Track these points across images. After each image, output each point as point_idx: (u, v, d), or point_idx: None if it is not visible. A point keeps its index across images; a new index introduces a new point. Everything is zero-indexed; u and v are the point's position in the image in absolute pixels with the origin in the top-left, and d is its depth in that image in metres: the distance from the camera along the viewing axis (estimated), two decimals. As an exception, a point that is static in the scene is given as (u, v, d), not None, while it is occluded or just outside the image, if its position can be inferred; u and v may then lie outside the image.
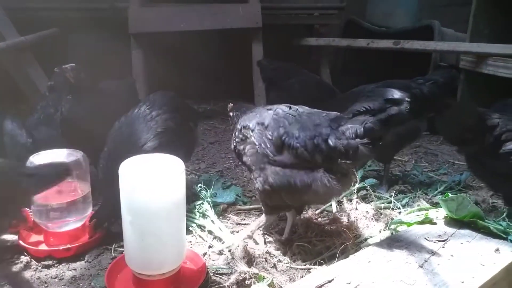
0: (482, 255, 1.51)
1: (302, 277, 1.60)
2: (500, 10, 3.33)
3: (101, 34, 3.53)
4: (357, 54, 4.58)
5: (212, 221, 2.00)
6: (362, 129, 1.52)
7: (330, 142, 1.54)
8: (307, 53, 4.60)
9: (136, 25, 3.64)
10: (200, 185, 2.18)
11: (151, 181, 1.45)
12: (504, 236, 1.64)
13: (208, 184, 2.23)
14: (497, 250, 1.54)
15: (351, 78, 4.74)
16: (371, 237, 1.80)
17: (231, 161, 3.01)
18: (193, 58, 3.91)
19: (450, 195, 1.71)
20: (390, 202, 2.19)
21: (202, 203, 2.10)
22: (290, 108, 1.74)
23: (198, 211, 2.06)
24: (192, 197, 2.18)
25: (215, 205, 2.17)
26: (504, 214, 2.18)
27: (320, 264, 1.70)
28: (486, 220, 1.76)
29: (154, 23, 3.69)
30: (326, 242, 1.79)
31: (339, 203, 2.17)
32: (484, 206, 2.33)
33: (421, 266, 1.44)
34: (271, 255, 1.77)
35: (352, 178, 1.76)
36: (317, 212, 2.14)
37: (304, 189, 1.58)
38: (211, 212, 2.04)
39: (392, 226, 1.83)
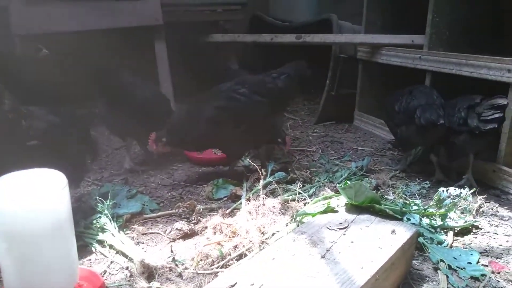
0: (380, 238, 1.57)
1: (209, 282, 1.53)
2: (391, 3, 3.56)
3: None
4: (265, 48, 4.63)
5: (112, 234, 1.85)
6: None
7: None
8: (215, 50, 4.54)
9: (20, 26, 3.28)
10: (95, 197, 2.01)
11: (26, 201, 1.28)
12: (400, 217, 1.72)
13: (106, 196, 2.05)
14: (393, 231, 1.60)
15: (260, 72, 4.80)
16: (278, 231, 1.79)
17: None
18: (90, 60, 3.63)
19: (348, 182, 1.76)
20: (299, 193, 2.22)
21: (100, 217, 1.93)
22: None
23: (96, 226, 1.89)
24: (90, 211, 2.00)
25: (118, 217, 2.02)
26: (400, 190, 2.34)
27: (227, 266, 1.65)
28: (383, 203, 1.85)
29: (43, 23, 3.35)
30: (234, 242, 1.74)
31: (248, 200, 2.15)
32: (385, 188, 2.47)
33: (323, 257, 1.45)
34: (177, 262, 1.68)
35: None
36: (227, 211, 2.10)
37: None
38: (110, 225, 1.89)
39: (298, 218, 1.84)
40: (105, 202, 1.95)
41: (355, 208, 1.77)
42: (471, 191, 2.07)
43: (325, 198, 2.02)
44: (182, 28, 4.15)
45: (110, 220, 1.92)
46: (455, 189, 2.02)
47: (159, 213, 2.16)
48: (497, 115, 2.11)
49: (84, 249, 1.82)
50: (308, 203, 2.08)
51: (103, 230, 1.88)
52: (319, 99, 4.08)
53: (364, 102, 3.79)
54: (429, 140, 2.49)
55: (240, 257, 1.68)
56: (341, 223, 1.65)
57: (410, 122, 2.47)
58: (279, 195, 2.11)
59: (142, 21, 3.54)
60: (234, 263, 1.67)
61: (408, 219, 1.97)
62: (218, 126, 2.25)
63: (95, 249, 1.83)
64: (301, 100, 4.89)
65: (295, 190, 2.25)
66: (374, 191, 2.29)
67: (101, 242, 1.86)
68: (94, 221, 1.91)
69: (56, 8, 3.45)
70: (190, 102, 2.43)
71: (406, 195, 2.35)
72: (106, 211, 1.94)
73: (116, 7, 3.50)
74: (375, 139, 3.50)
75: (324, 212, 1.76)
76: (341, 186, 1.75)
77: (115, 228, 1.89)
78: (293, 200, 2.06)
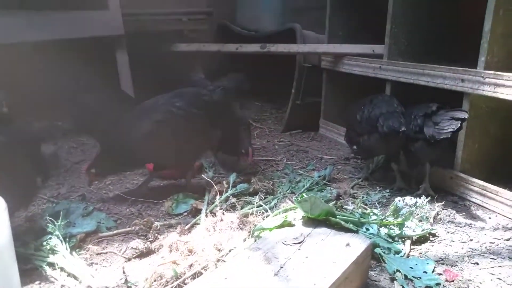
0: (335, 252, 1.57)
1: (162, 304, 1.49)
2: (352, 13, 3.61)
3: None
4: (232, 57, 4.62)
5: (63, 256, 1.77)
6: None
7: None
8: (181, 58, 4.50)
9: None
10: (45, 217, 1.92)
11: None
12: (355, 229, 1.73)
13: (57, 215, 1.97)
14: (347, 244, 1.60)
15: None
16: (234, 248, 1.76)
17: (97, 181, 2.76)
18: (45, 71, 3.52)
19: (304, 195, 1.75)
20: (259, 206, 2.20)
21: (51, 238, 1.85)
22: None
23: (46, 248, 1.81)
24: (41, 232, 1.92)
25: (71, 237, 1.95)
26: (359, 200, 2.35)
27: (182, 286, 1.60)
28: (340, 214, 1.85)
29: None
30: (190, 261, 1.70)
31: (208, 215, 2.12)
32: (346, 198, 2.48)
33: (276, 274, 1.43)
34: (130, 284, 1.63)
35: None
36: (186, 228, 2.06)
37: None
38: (61, 247, 1.81)
39: (256, 233, 1.82)
40: (56, 223, 1.87)
41: (312, 221, 1.76)
42: (428, 199, 2.11)
43: (285, 211, 2.01)
44: (146, 37, 4.09)
45: (61, 241, 1.85)
46: (411, 198, 2.05)
47: (115, 231, 2.09)
48: (454, 127, 2.14)
49: (33, 272, 1.74)
50: (268, 215, 2.07)
51: (53, 251, 1.80)
52: (286, 108, 4.10)
53: (329, 110, 3.83)
54: (391, 148, 2.52)
55: (195, 276, 1.64)
56: (296, 238, 1.64)
57: (373, 131, 2.49)
58: (238, 209, 2.08)
59: (104, 31, 3.47)
60: (189, 282, 1.63)
61: (367, 229, 1.98)
62: (157, 140, 2.22)
63: (45, 272, 1.74)
64: (268, 109, 4.91)
65: (257, 202, 2.23)
66: (334, 202, 2.32)
67: (52, 265, 1.78)
68: (44, 243, 1.83)
69: (14, 18, 3.34)
70: (124, 117, 2.35)
71: (367, 204, 2.37)
72: (57, 232, 1.86)
73: (76, 17, 3.42)
74: (339, 147, 3.53)
75: (281, 226, 1.75)
76: (297, 199, 1.75)
77: (66, 249, 1.81)
78: (252, 213, 2.03)
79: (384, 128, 2.37)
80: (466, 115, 2.18)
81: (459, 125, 2.16)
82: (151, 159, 2.39)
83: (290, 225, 1.74)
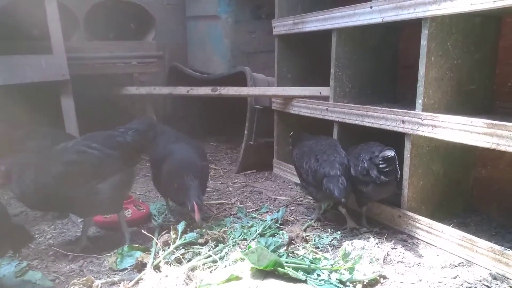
0: (283, 305, 1.52)
1: None
2: (299, 57, 3.73)
3: None
4: (185, 99, 4.62)
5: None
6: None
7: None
8: (130, 102, 4.44)
9: None
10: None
11: None
12: (303, 278, 1.69)
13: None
14: (295, 296, 1.56)
15: (181, 122, 4.75)
16: (179, 307, 1.67)
17: (37, 235, 2.58)
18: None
19: (252, 246, 1.71)
20: (209, 256, 2.12)
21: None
22: None
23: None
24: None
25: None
26: (310, 244, 2.34)
27: None
28: (290, 261, 1.82)
29: None
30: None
31: (155, 268, 2.01)
32: (298, 241, 2.45)
33: (221, 335, 1.36)
34: None
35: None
36: (130, 285, 1.94)
37: None
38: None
39: (202, 289, 1.74)
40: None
41: (260, 272, 1.72)
42: (376, 241, 2.12)
43: (235, 261, 1.95)
44: (94, 81, 4.01)
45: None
46: (359, 241, 2.06)
47: (52, 292, 1.93)
48: (391, 167, 2.21)
49: None
50: (217, 267, 1.99)
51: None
52: (240, 148, 4.09)
53: (282, 150, 3.86)
54: (335, 201, 2.57)
55: None
56: (244, 293, 1.58)
57: (318, 187, 2.51)
58: (186, 261, 1.99)
59: (47, 76, 3.35)
60: None
61: (318, 275, 1.95)
62: (68, 183, 2.13)
63: None
64: (223, 149, 4.89)
65: (206, 253, 2.15)
66: (285, 247, 2.28)
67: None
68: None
69: None
70: (27, 164, 2.23)
71: (318, 247, 2.35)
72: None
73: (19, 62, 3.29)
74: (293, 187, 3.54)
75: (228, 280, 1.68)
76: (243, 251, 1.70)
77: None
78: (199, 266, 1.95)
79: (326, 190, 2.38)
80: (392, 153, 2.29)
81: (394, 165, 2.25)
82: (65, 202, 2.25)
83: (238, 278, 1.69)
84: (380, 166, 2.29)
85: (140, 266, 2.11)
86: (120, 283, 1.94)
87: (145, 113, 4.22)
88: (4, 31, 3.85)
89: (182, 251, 2.10)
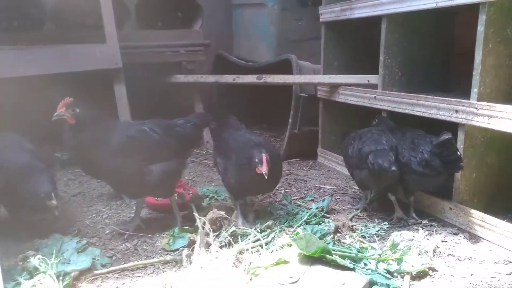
0: (331, 291, 1.54)
1: None
2: (346, 44, 3.67)
3: None
4: (229, 87, 4.67)
5: (55, 297, 1.74)
6: None
7: None
8: (178, 89, 4.55)
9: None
10: (38, 256, 1.90)
11: None
12: (351, 266, 1.70)
13: (51, 251, 1.95)
14: (344, 284, 1.58)
15: (226, 110, 4.82)
16: (231, 288, 1.73)
17: (94, 214, 2.74)
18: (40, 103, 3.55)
19: (300, 232, 1.73)
20: (257, 240, 2.17)
21: (44, 277, 1.83)
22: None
23: (39, 288, 1.79)
24: (34, 271, 1.89)
25: (65, 274, 1.92)
26: (357, 233, 2.33)
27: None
28: (337, 250, 1.83)
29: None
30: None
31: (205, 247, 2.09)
32: (344, 230, 2.44)
33: (271, 316, 1.40)
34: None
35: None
36: (182, 264, 2.03)
37: None
38: (55, 285, 1.78)
39: (251, 271, 1.79)
40: (48, 262, 1.84)
41: (308, 258, 1.74)
42: (425, 233, 2.08)
43: (282, 246, 1.98)
44: (144, 69, 4.15)
45: (54, 280, 1.82)
46: (408, 232, 2.03)
47: (110, 268, 2.06)
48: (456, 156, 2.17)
49: (24, 314, 1.71)
50: (266, 249, 2.04)
51: (46, 292, 1.77)
52: (284, 136, 4.11)
53: (327, 139, 3.83)
54: (381, 183, 2.53)
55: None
56: (292, 277, 1.62)
57: (363, 167, 2.49)
58: (234, 244, 2.05)
59: (102, 64, 3.51)
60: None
61: (365, 264, 1.95)
62: (125, 154, 2.25)
63: (37, 314, 1.71)
64: (267, 137, 4.92)
65: (255, 236, 2.20)
66: (332, 235, 2.28)
67: (44, 306, 1.75)
68: (38, 283, 1.80)
69: (5, 52, 3.39)
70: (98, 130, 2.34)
71: (365, 237, 2.34)
72: (49, 270, 1.83)
73: (74, 51, 3.46)
74: (338, 176, 3.52)
75: (277, 264, 1.72)
76: (292, 237, 1.73)
77: (60, 289, 1.78)
78: (247, 250, 2.00)
79: (375, 166, 2.35)
80: (449, 135, 2.25)
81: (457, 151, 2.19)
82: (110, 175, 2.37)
83: (286, 262, 1.72)
84: (445, 153, 2.23)
85: (192, 244, 2.17)
86: (173, 262, 2.03)
87: (194, 101, 4.31)
88: (60, 21, 4.07)
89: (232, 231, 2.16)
